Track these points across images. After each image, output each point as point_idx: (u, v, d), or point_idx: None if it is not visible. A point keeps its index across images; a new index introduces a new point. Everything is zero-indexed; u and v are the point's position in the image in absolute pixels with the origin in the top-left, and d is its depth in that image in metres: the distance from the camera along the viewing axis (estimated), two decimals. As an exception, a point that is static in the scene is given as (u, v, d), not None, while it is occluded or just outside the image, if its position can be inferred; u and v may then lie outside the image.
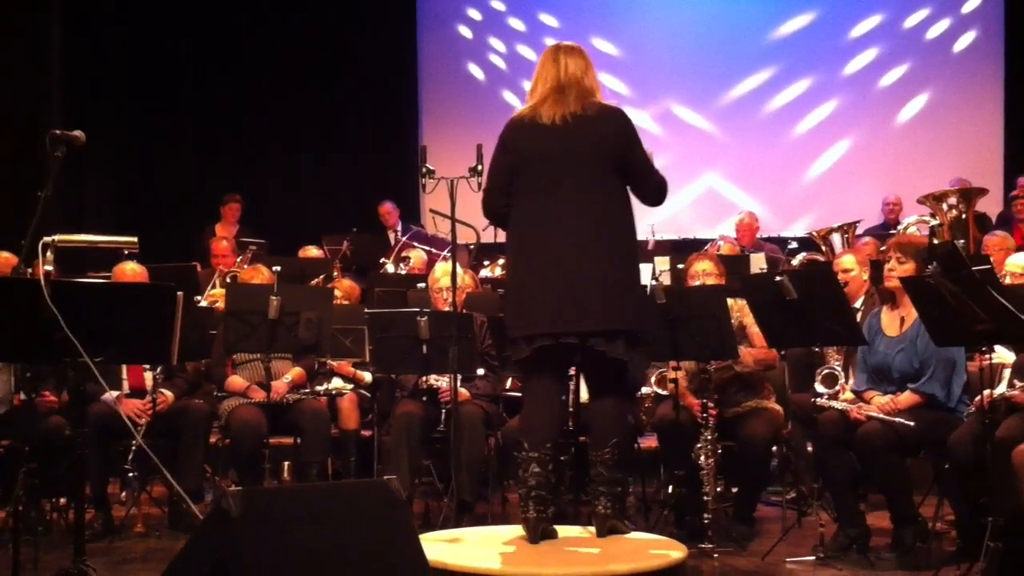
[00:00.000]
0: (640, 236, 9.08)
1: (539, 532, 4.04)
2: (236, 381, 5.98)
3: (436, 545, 3.89)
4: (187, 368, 5.92)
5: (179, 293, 3.89)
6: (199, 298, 7.40)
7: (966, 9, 11.03)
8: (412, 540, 2.83)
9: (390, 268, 8.73)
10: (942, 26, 11.08)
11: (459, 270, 5.71)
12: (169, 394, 5.69)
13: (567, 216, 4.03)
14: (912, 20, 11.16)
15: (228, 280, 7.56)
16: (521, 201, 4.16)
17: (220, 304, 6.53)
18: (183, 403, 5.75)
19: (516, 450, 4.19)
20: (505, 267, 8.33)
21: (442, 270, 6.08)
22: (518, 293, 4.19)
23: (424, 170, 4.88)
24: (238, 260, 8.34)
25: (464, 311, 5.79)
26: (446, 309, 5.68)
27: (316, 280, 7.44)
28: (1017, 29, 10.74)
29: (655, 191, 4.20)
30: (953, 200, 7.06)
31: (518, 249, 4.19)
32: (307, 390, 6.07)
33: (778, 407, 5.57)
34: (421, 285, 7.09)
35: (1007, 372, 4.54)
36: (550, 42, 12.67)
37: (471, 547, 3.93)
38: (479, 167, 4.72)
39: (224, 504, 2.58)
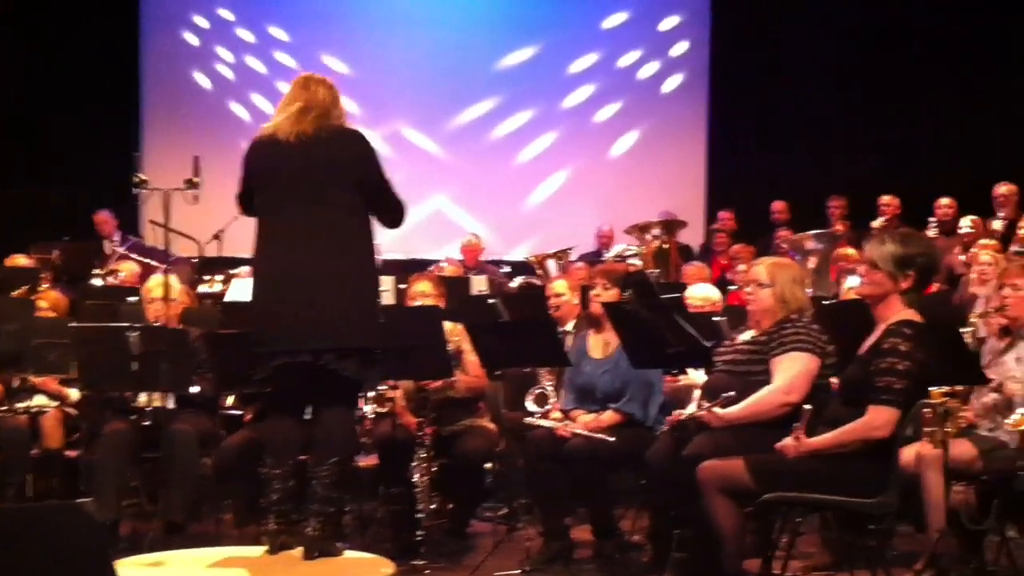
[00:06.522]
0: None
1: (279, 544, 4.05)
2: (-77, 398, 5.56)
3: (136, 569, 3.78)
4: None
5: None
6: None
7: (674, 52, 11.81)
8: (105, 565, 2.73)
9: (97, 281, 8.33)
10: (652, 67, 11.82)
11: (175, 284, 5.56)
12: None
13: (301, 234, 4.05)
14: (625, 60, 11.84)
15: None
16: (260, 219, 4.18)
17: (-93, 314, 6.04)
18: None
19: (260, 466, 4.20)
20: (225, 283, 8.21)
21: (155, 282, 5.89)
22: (260, 311, 4.18)
23: (136, 180, 4.74)
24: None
25: (180, 326, 5.64)
26: (159, 324, 5.51)
27: (19, 291, 7.02)
28: (720, 74, 11.60)
29: (393, 214, 4.26)
30: (656, 231, 7.58)
31: (257, 267, 4.21)
32: (5, 407, 5.73)
33: (492, 425, 5.76)
34: (134, 299, 6.84)
35: (698, 392, 4.88)
36: (280, 56, 12.48)
37: (173, 570, 3.84)
38: (195, 179, 4.66)
39: None
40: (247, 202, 4.25)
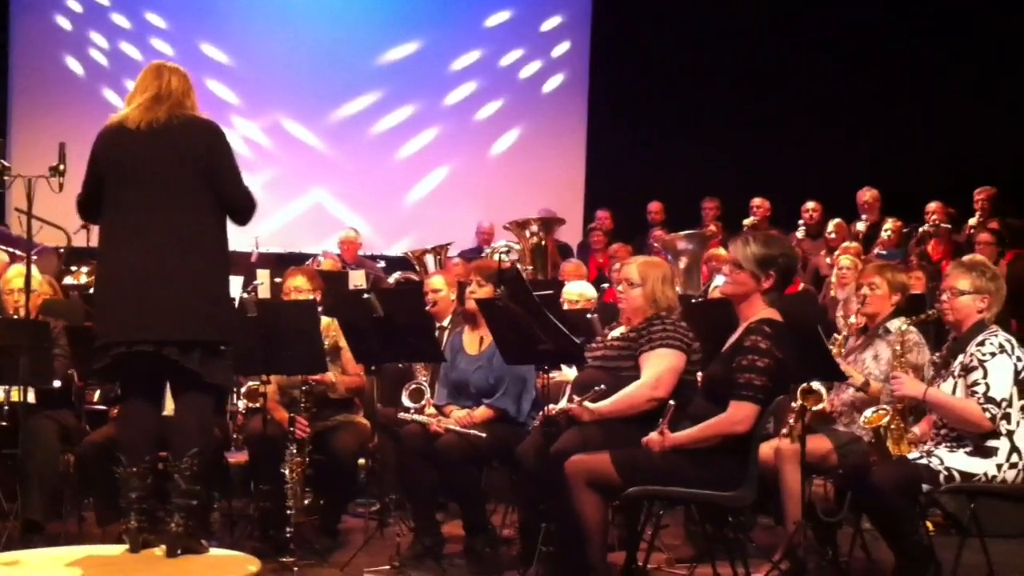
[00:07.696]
0: (244, 248, 9.11)
1: (140, 542, 3.98)
2: None
3: (-10, 568, 3.67)
4: None
5: None
6: None
7: (556, 53, 11.95)
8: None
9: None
10: (534, 67, 11.94)
11: (37, 274, 5.39)
12: None
13: (147, 224, 3.99)
14: (507, 59, 11.92)
15: None
16: (106, 208, 4.09)
17: None
18: None
19: (115, 465, 4.08)
20: (91, 274, 8.00)
21: (15, 272, 5.70)
22: (100, 301, 4.10)
23: (-3, 166, 4.60)
24: None
25: (40, 318, 5.47)
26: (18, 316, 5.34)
27: None
28: (599, 75, 11.78)
29: (241, 209, 4.18)
30: (534, 228, 7.67)
31: (102, 257, 4.13)
32: None
33: (366, 421, 5.73)
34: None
35: (570, 388, 4.94)
36: (157, 43, 12.16)
37: (29, 570, 3.73)
38: (61, 167, 4.55)
39: None
40: (89, 204, 4.15)
